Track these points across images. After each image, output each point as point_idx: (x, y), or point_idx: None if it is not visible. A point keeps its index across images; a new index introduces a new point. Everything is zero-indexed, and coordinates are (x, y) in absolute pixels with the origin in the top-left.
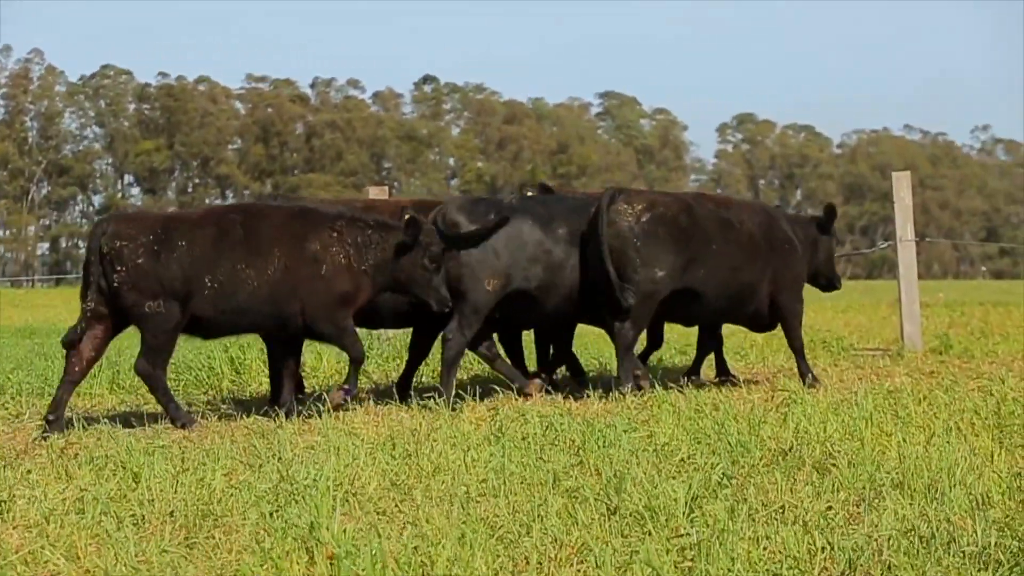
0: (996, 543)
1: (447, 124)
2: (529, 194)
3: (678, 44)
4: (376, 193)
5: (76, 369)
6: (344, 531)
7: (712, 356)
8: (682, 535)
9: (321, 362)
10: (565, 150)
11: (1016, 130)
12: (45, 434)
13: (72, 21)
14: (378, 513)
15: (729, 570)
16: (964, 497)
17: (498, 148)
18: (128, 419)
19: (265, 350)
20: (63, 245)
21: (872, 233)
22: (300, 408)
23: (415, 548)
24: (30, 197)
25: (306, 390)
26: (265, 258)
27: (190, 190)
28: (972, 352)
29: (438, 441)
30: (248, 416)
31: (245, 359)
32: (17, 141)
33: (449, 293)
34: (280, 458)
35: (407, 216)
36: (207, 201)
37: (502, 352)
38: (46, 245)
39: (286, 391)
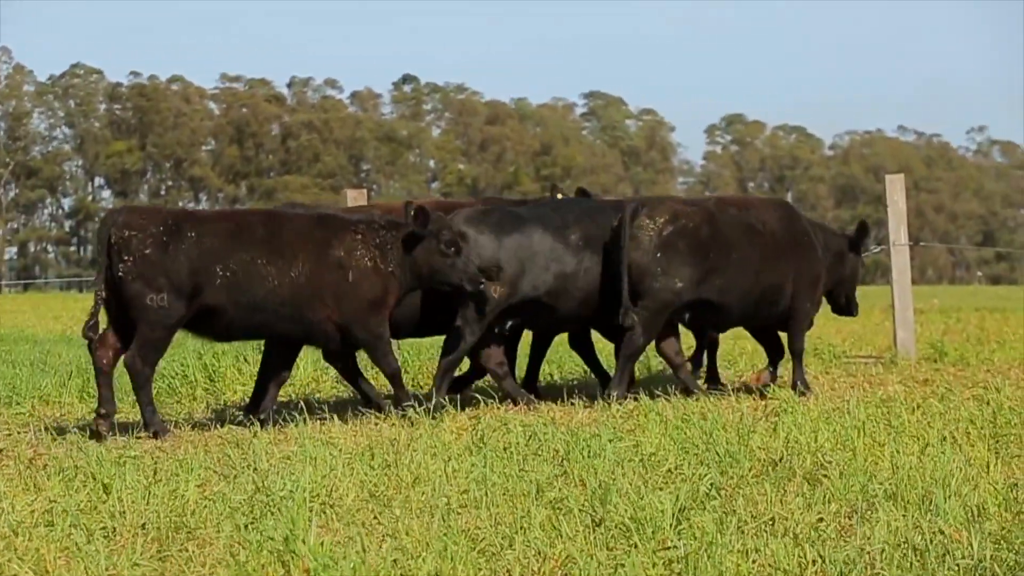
0: (992, 556)
1: (427, 125)
2: (559, 196)
3: (665, 43)
4: (354, 196)
5: (104, 361)
6: (321, 544)
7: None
8: (669, 548)
9: (297, 370)
10: (549, 151)
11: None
12: (102, 431)
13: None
14: (356, 525)
15: None
16: (959, 509)
17: (480, 149)
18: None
19: (240, 358)
20: (31, 249)
21: None
22: (276, 417)
23: (394, 561)
24: None
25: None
26: (286, 261)
27: (163, 192)
28: (967, 360)
29: (418, 451)
30: (222, 426)
31: (219, 367)
32: None
33: (456, 297)
34: (255, 468)
35: (415, 206)
36: (180, 205)
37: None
38: (14, 249)
39: (268, 400)
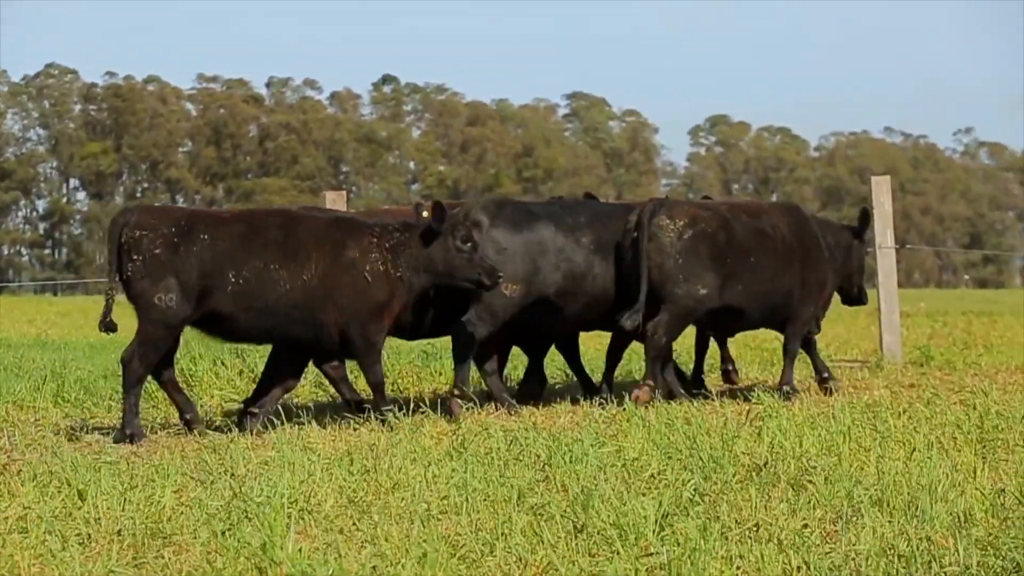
0: (979, 563)
1: (407, 126)
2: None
3: (649, 44)
4: (334, 198)
5: (163, 376)
6: (299, 550)
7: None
8: (652, 554)
9: None
10: (530, 153)
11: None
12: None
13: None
14: (335, 531)
15: None
16: (945, 515)
17: (461, 151)
18: (74, 433)
19: (217, 362)
20: (5, 252)
21: None
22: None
23: (373, 568)
24: None
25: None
26: (300, 264)
27: (139, 194)
28: (954, 364)
29: (397, 456)
30: (198, 431)
31: (196, 371)
32: None
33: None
34: (233, 474)
35: (432, 202)
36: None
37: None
38: None
39: (269, 399)
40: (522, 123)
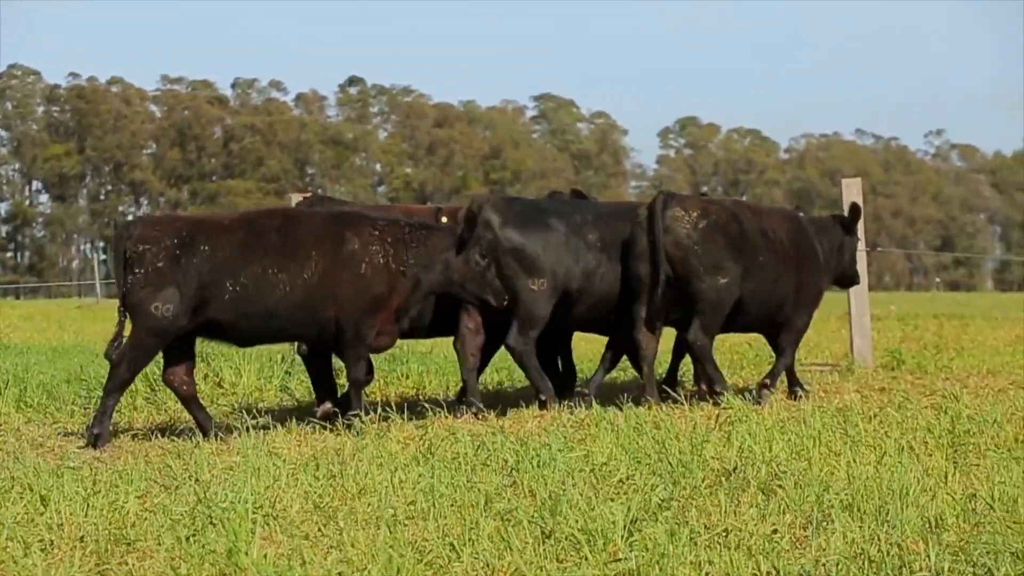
0: (950, 568)
1: (374, 128)
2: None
3: (618, 45)
4: (299, 201)
5: (184, 388)
6: (265, 556)
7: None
8: (620, 560)
9: (240, 378)
10: (498, 155)
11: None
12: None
13: None
14: (300, 537)
15: None
16: (916, 520)
17: (428, 153)
18: (36, 439)
19: None
20: None
21: None
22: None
23: (339, 574)
24: None
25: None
26: (299, 264)
27: (102, 197)
28: (925, 368)
29: (364, 461)
30: (163, 435)
31: (160, 376)
32: None
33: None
34: (197, 479)
35: (467, 210)
36: (120, 209)
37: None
38: None
39: (356, 401)
40: (490, 125)
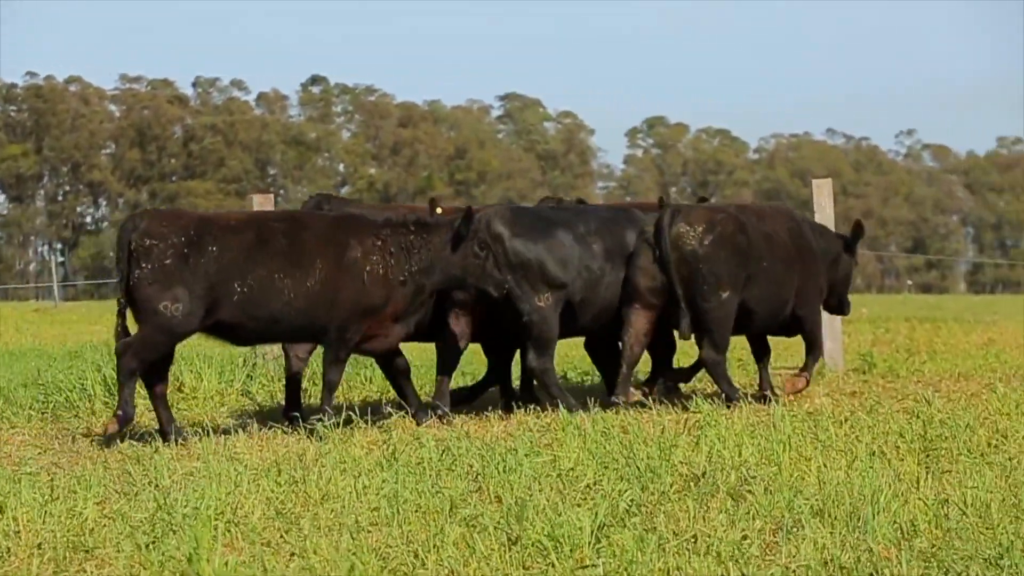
0: (921, 574)
1: (337, 128)
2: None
3: (585, 43)
4: (260, 202)
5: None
6: (226, 563)
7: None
8: (588, 566)
9: (201, 382)
10: (463, 155)
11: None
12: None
13: None
14: (262, 544)
15: None
16: (888, 526)
17: (392, 153)
18: None
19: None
20: None
21: None
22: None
23: None
24: None
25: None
26: (304, 269)
27: (60, 198)
28: (897, 371)
29: (327, 467)
30: (123, 440)
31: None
32: None
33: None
34: (157, 485)
35: (466, 209)
36: (78, 211)
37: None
38: None
39: (414, 397)
40: (455, 125)
